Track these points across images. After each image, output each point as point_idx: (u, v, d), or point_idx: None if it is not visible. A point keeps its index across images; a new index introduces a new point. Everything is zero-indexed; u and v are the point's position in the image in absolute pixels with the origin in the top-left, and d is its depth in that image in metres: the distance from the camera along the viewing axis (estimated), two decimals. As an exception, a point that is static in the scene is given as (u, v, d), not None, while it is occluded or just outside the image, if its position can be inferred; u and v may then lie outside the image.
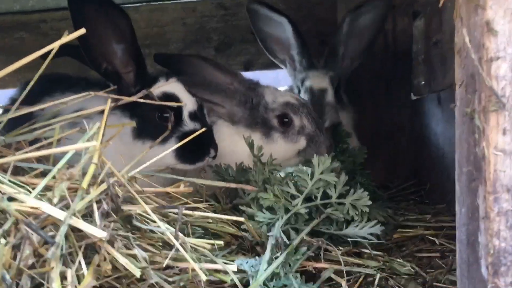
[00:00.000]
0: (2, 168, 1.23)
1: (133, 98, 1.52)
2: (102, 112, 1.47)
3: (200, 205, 1.46)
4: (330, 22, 2.86)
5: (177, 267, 1.25)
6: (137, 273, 1.10)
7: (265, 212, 1.54)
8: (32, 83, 1.36)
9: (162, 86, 1.77)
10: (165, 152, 1.48)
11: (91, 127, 1.26)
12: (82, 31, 1.17)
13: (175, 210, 1.36)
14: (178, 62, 2.06)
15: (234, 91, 2.07)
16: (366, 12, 2.44)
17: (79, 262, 1.09)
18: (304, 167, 1.60)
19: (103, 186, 1.20)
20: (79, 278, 1.09)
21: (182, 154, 1.74)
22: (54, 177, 1.16)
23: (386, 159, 2.82)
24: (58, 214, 1.07)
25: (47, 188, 1.20)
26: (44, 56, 1.90)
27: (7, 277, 1.00)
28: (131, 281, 1.19)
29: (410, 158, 2.79)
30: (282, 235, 1.42)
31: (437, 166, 2.37)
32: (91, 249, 1.17)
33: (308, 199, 1.57)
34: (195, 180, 1.51)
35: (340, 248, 1.54)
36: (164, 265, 1.22)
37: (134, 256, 1.19)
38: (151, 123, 1.75)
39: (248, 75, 2.41)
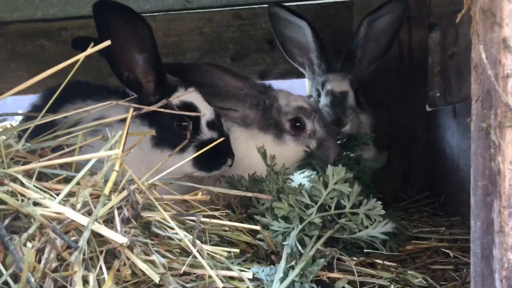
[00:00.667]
0: (27, 173, 1.27)
1: (153, 108, 1.56)
2: (121, 120, 1.51)
3: (216, 214, 1.49)
4: (346, 33, 2.89)
5: (194, 273, 1.29)
6: (156, 278, 1.13)
7: (280, 221, 1.56)
8: (57, 92, 1.40)
9: (181, 96, 1.80)
10: (184, 160, 1.51)
11: (113, 136, 1.30)
12: (107, 43, 1.21)
13: (193, 218, 1.39)
14: (189, 71, 2.09)
15: (245, 95, 2.11)
16: (382, 16, 2.46)
17: (100, 267, 1.13)
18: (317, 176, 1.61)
19: (124, 193, 1.23)
20: (99, 282, 1.12)
21: (199, 162, 1.76)
22: (78, 183, 1.20)
23: (400, 170, 2.82)
24: (81, 219, 1.11)
25: (70, 194, 1.24)
26: (75, 46, 1.94)
27: (32, 279, 1.03)
28: (149, 286, 1.22)
29: (424, 169, 2.80)
30: (297, 244, 1.44)
31: (451, 178, 2.37)
32: (111, 254, 1.21)
33: (322, 208, 1.58)
34: (212, 188, 1.53)
35: (354, 258, 1.55)
36: (181, 271, 1.25)
37: (152, 262, 1.22)
38: (169, 131, 1.78)
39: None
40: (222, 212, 1.59)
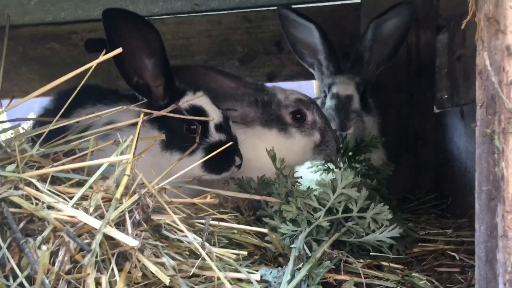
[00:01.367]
0: (41, 177, 1.30)
1: (163, 112, 1.59)
2: (132, 124, 1.54)
3: (225, 216, 1.51)
4: (353, 35, 2.90)
5: (203, 275, 1.31)
6: (166, 280, 1.16)
7: (288, 224, 1.58)
8: (70, 99, 1.43)
9: (190, 100, 1.83)
10: (194, 164, 1.53)
11: (124, 140, 1.33)
12: (119, 50, 1.24)
13: (202, 220, 1.41)
14: (184, 74, 2.11)
15: (242, 94, 2.14)
16: (389, 19, 2.48)
17: (112, 269, 1.16)
18: (327, 180, 1.63)
19: (135, 197, 1.26)
20: (111, 284, 1.15)
21: (209, 164, 1.79)
22: (90, 187, 1.23)
23: (408, 171, 2.83)
24: (94, 223, 1.14)
25: (82, 197, 1.27)
26: (88, 48, 1.98)
27: (46, 281, 1.06)
28: (159, 288, 1.24)
29: (432, 170, 2.80)
30: (305, 247, 1.46)
31: (459, 180, 2.37)
32: (122, 257, 1.23)
33: (329, 212, 1.60)
34: (221, 191, 1.56)
35: (361, 260, 1.57)
36: (191, 273, 1.28)
37: (162, 264, 1.25)
38: (178, 134, 1.81)
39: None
40: (231, 216, 1.61)
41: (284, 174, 1.80)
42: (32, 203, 1.20)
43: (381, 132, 2.53)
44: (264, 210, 1.72)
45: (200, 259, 1.28)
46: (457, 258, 1.62)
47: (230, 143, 1.75)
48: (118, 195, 1.21)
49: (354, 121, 2.35)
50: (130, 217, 1.24)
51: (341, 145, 2.14)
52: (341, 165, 2.10)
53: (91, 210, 1.19)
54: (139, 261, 1.20)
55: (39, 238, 1.13)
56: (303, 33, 2.56)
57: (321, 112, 2.18)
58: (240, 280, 1.31)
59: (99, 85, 2.29)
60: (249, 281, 1.30)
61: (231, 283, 1.25)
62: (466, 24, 2.27)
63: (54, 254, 1.14)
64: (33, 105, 2.58)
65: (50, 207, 1.20)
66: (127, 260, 1.21)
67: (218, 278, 1.24)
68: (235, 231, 1.55)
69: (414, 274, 1.48)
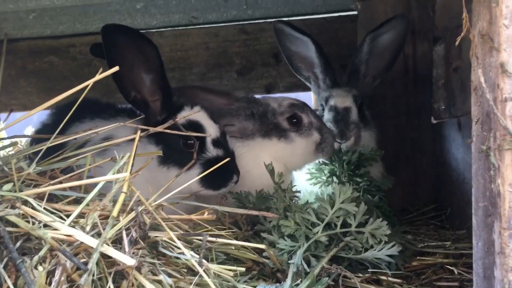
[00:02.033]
0: (38, 195, 1.30)
1: (159, 129, 1.59)
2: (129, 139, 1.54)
3: (223, 233, 1.51)
4: (350, 46, 2.91)
5: (200, 293, 1.30)
6: (164, 299, 1.15)
7: (287, 239, 1.58)
8: (68, 115, 1.43)
9: (187, 115, 1.83)
10: (193, 180, 1.53)
11: (121, 157, 1.33)
12: (116, 68, 1.24)
13: (199, 237, 1.41)
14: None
15: (237, 109, 2.16)
16: (385, 32, 2.49)
17: (109, 288, 1.15)
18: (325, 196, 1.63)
19: (132, 214, 1.26)
20: (108, 303, 1.14)
21: (206, 180, 1.78)
22: (87, 204, 1.23)
23: (406, 182, 2.82)
24: (91, 242, 1.14)
25: (79, 215, 1.26)
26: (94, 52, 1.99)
27: (43, 302, 1.06)
28: (157, 305, 1.23)
29: (430, 181, 2.80)
30: (303, 262, 1.46)
31: (458, 191, 2.37)
32: (119, 275, 1.23)
33: (328, 226, 1.60)
34: (218, 207, 1.55)
35: (359, 275, 1.56)
36: (188, 291, 1.27)
37: (160, 282, 1.24)
38: (175, 150, 1.81)
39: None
40: (229, 231, 1.61)
41: (282, 189, 1.79)
42: (29, 222, 1.20)
43: (379, 144, 2.53)
44: (262, 225, 1.72)
45: (197, 276, 1.27)
46: (456, 273, 1.62)
47: (227, 159, 1.75)
48: (115, 213, 1.21)
49: (354, 132, 2.36)
50: (127, 235, 1.23)
51: (344, 157, 2.14)
52: (343, 179, 2.09)
53: (88, 228, 1.18)
54: (136, 280, 1.20)
55: (36, 258, 1.13)
56: (299, 47, 2.57)
57: (314, 112, 2.21)
58: (238, 296, 1.31)
59: (97, 99, 2.29)
60: (247, 298, 1.29)
61: (229, 301, 1.25)
62: (463, 36, 2.28)
63: (50, 274, 1.14)
64: (31, 118, 2.58)
65: (46, 226, 1.20)
66: (124, 279, 1.21)
67: (216, 295, 1.23)
68: (233, 247, 1.55)
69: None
